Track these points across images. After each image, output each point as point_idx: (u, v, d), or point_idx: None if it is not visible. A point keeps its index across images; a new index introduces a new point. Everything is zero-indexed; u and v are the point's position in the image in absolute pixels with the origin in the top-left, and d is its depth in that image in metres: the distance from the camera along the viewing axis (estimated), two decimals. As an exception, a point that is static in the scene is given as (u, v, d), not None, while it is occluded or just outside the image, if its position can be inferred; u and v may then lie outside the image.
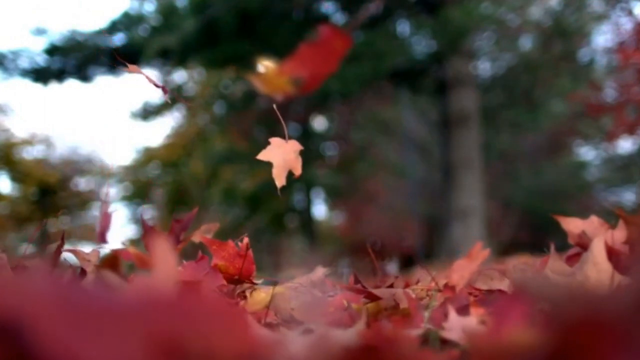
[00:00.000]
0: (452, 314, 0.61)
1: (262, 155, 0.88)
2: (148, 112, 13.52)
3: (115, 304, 0.28)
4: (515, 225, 12.96)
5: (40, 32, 9.78)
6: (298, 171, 0.88)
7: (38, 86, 10.70)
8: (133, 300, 0.28)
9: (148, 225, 0.88)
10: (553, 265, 0.79)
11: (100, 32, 9.78)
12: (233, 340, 0.30)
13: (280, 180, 0.87)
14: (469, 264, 0.91)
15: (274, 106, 0.85)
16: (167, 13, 9.51)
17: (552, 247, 0.80)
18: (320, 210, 23.34)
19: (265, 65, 0.48)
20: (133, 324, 0.27)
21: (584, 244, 0.92)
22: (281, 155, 0.88)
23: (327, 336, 0.38)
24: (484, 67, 11.70)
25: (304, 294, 0.87)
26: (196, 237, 0.98)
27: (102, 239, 0.67)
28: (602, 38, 14.60)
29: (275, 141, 0.89)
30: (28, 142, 17.01)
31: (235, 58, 9.43)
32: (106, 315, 0.27)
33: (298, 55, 0.47)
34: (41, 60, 9.71)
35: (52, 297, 0.27)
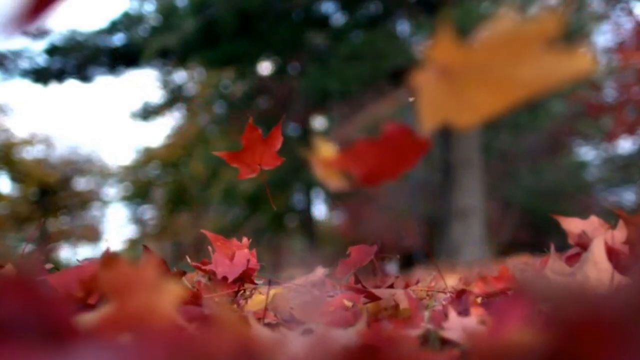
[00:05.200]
0: (452, 314, 0.61)
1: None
2: (148, 112, 13.52)
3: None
4: (515, 225, 12.96)
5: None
6: None
7: (38, 86, 10.70)
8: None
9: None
10: (553, 265, 0.79)
11: (100, 32, 9.78)
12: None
13: None
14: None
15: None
16: (167, 13, 9.51)
17: (552, 247, 0.80)
18: (320, 210, 23.35)
19: (323, 148, 0.44)
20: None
21: (584, 244, 0.92)
22: None
23: (327, 336, 0.38)
24: (484, 67, 11.68)
25: (304, 294, 0.87)
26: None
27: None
28: (602, 38, 14.60)
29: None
30: (28, 142, 17.01)
31: (235, 58, 9.44)
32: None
33: (353, 149, 0.43)
34: (41, 60, 9.72)
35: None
